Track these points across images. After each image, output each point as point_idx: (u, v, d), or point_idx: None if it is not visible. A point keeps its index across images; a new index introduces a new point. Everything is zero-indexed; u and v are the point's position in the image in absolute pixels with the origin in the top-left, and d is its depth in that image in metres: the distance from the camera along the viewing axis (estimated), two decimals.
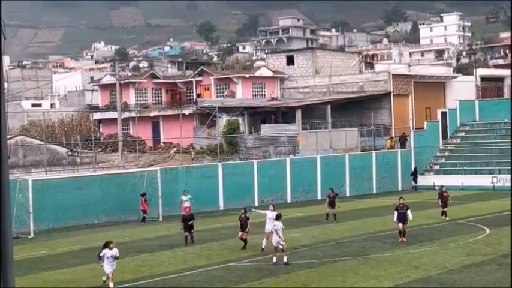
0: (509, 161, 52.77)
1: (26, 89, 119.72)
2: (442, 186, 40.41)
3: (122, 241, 34.05)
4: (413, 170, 58.53)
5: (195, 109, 72.80)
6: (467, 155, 59.84)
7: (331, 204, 39.58)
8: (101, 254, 22.20)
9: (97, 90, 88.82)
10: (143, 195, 41.80)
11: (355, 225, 37.23)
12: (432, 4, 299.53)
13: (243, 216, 30.14)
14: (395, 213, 31.01)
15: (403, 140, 64.17)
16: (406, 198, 48.95)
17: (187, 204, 40.53)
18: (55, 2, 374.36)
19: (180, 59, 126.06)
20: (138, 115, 72.97)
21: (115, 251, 21.87)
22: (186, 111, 72.02)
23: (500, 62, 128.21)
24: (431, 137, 62.59)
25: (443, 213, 38.51)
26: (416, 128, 67.03)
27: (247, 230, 30.06)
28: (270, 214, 28.82)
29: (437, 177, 58.34)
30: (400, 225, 30.64)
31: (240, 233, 30.12)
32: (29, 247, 32.95)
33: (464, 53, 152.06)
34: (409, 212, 30.97)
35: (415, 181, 57.67)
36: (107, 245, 21.95)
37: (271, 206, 30.36)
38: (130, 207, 42.33)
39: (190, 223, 31.72)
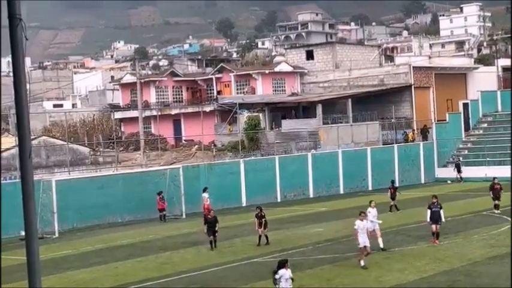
0: None
1: (47, 90, 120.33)
2: (494, 178, 38.16)
3: (145, 239, 34.26)
4: (456, 161, 57.85)
5: (215, 106, 72.89)
6: (490, 146, 59.44)
7: (393, 196, 40.07)
8: (276, 276, 18.10)
9: (118, 90, 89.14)
10: (159, 193, 41.95)
11: (378, 219, 37.04)
12: None
13: (259, 214, 30.02)
14: (428, 212, 28.29)
15: (424, 133, 63.79)
16: (428, 191, 48.92)
17: (209, 202, 40.87)
18: (74, 3, 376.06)
19: (199, 57, 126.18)
20: (159, 113, 73.17)
21: (289, 271, 18.35)
22: (207, 109, 72.14)
23: None
24: (453, 128, 62.23)
25: (496, 206, 36.57)
26: (438, 120, 66.67)
27: (265, 227, 29.86)
28: (373, 212, 27.61)
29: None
30: (434, 226, 28.06)
31: (260, 229, 29.89)
32: (54, 247, 33.19)
33: (485, 44, 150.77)
34: (442, 211, 28.25)
35: (459, 172, 56.87)
36: (283, 265, 18.03)
37: (373, 202, 28.32)
38: (153, 205, 42.44)
39: (214, 227, 29.72)
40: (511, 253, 23.99)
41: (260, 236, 29.95)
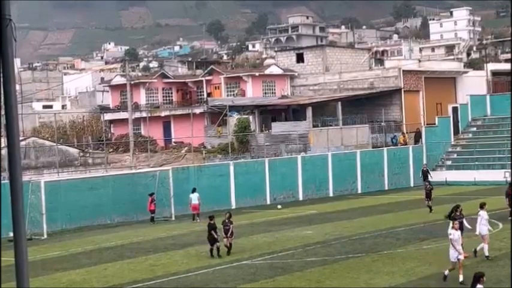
0: None
1: (37, 91, 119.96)
2: (511, 184, 35.46)
3: (134, 241, 34.19)
4: (423, 169, 55.14)
5: (205, 108, 72.88)
6: (479, 150, 59.62)
7: (428, 196, 39.80)
8: None
9: (107, 91, 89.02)
10: (151, 195, 41.92)
11: (367, 221, 37.18)
12: None
13: (227, 221, 28.23)
14: (465, 223, 25.52)
15: (417, 137, 63.54)
16: (418, 194, 48.98)
17: (197, 202, 41.03)
18: (65, 3, 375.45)
19: (190, 59, 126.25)
20: (149, 115, 73.11)
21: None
22: (197, 111, 72.09)
23: (511, 56, 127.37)
24: (442, 132, 62.39)
25: None
26: (427, 124, 66.82)
27: (229, 235, 28.09)
28: (486, 215, 25.29)
29: (450, 173, 58.20)
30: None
31: (225, 240, 28.07)
32: (43, 248, 33.06)
33: (474, 48, 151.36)
34: (465, 221, 25.86)
35: (426, 179, 55.34)
36: (478, 280, 15.84)
37: (485, 205, 25.77)
38: (142, 207, 42.38)
39: (215, 234, 27.74)
40: (511, 253, 24.04)
41: (226, 246, 28.11)
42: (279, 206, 46.41)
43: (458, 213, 25.98)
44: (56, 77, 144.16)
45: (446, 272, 21.76)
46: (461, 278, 21.32)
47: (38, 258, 29.48)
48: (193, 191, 41.79)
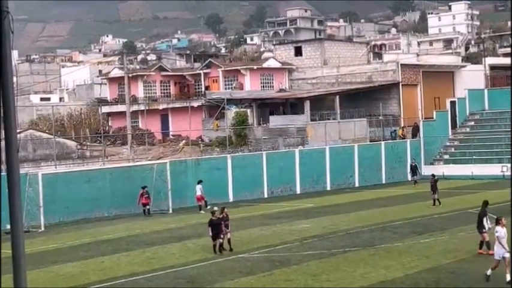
0: None
1: (34, 83, 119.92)
2: None
3: (132, 234, 34.21)
4: (412, 165, 55.28)
5: (203, 101, 72.85)
6: (476, 144, 59.69)
7: (433, 189, 39.71)
8: None
9: (105, 84, 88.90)
10: (143, 188, 41.91)
11: (364, 215, 37.23)
12: None
13: (225, 215, 27.85)
14: (485, 220, 24.62)
15: (415, 131, 63.44)
16: (417, 189, 49.07)
17: (200, 193, 41.51)
18: None
19: (188, 52, 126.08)
20: (147, 108, 73.06)
21: None
22: (195, 104, 72.08)
23: (510, 50, 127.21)
24: (440, 126, 62.40)
25: None
26: (425, 118, 66.86)
27: (228, 229, 27.70)
28: None
29: (447, 167, 58.25)
30: (486, 235, 24.46)
31: (229, 234, 27.70)
32: (40, 241, 33.07)
33: (472, 42, 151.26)
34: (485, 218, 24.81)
35: (415, 174, 54.22)
36: None
37: None
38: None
39: (218, 230, 27.15)
40: (511, 250, 24.05)
41: (222, 244, 27.28)
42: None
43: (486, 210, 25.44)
44: (54, 69, 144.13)
45: (489, 272, 20.77)
46: (508, 278, 20.36)
47: (35, 250, 29.50)
48: (198, 182, 42.25)
